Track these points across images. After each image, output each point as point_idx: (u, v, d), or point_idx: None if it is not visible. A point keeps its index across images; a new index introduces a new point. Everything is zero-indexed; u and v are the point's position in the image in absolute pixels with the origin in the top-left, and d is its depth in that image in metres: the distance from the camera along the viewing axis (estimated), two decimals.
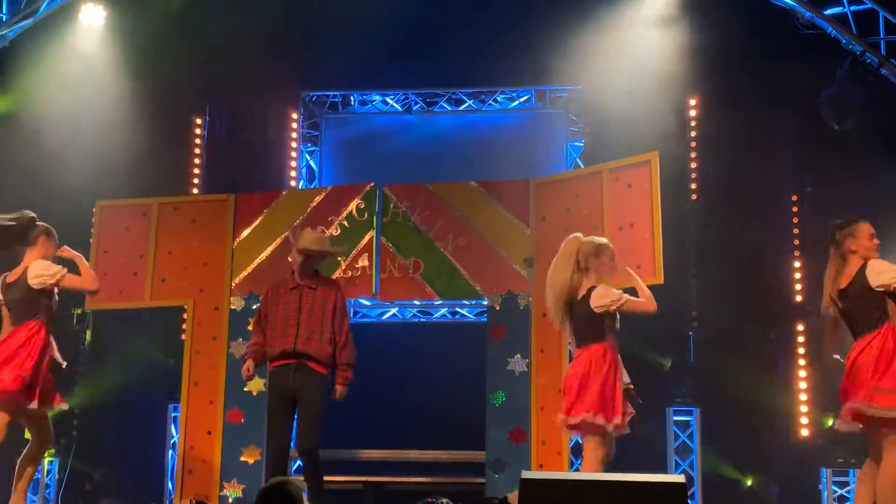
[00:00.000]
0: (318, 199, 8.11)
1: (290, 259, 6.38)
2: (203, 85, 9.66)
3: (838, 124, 8.26)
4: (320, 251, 6.33)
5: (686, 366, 8.59)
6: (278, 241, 7.96)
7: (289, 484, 3.87)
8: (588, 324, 5.62)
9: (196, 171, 9.50)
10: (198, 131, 9.61)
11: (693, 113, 8.95)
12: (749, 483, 8.33)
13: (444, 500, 3.10)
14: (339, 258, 7.68)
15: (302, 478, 6.01)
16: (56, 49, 9.09)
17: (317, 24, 9.38)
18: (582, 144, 9.59)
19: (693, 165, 8.90)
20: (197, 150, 9.56)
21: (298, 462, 7.36)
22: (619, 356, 5.65)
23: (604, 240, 5.84)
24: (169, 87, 9.26)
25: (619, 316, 5.67)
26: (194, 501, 3.16)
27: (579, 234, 5.83)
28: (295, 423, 6.17)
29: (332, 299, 6.26)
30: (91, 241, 8.16)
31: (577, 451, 8.06)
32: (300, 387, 6.08)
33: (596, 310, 5.56)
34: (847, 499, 7.98)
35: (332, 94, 10.12)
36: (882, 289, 5.32)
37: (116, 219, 8.19)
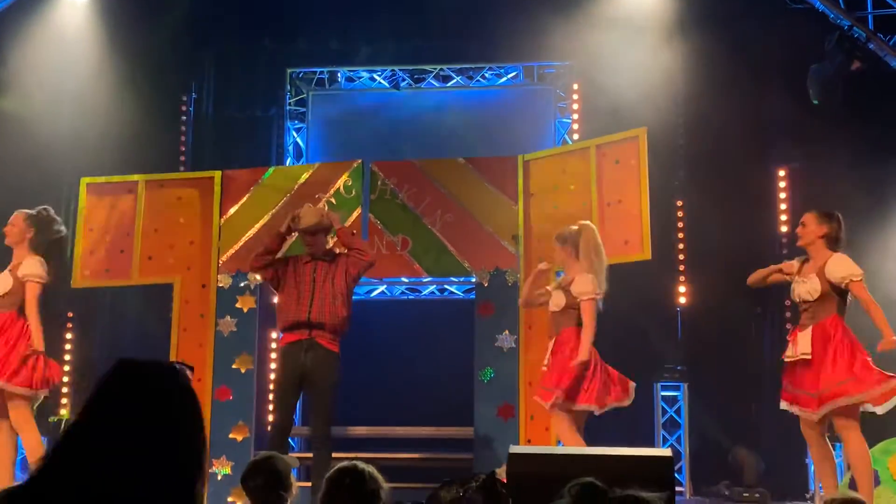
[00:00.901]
0: (305, 176, 8.07)
1: (306, 248, 6.59)
2: (189, 62, 9.61)
3: (826, 99, 8.26)
4: (318, 224, 6.48)
5: (673, 341, 8.62)
6: (266, 218, 7.93)
7: (276, 459, 3.85)
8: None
9: (182, 148, 9.46)
10: (183, 108, 9.55)
11: (681, 88, 8.93)
12: (742, 463, 8.34)
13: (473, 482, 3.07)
14: (328, 237, 7.65)
15: (296, 455, 6.08)
16: (39, 27, 9.02)
17: (304, 0, 9.32)
18: (570, 121, 9.57)
19: (681, 141, 8.90)
20: (183, 128, 9.51)
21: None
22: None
23: (586, 222, 6.32)
24: (155, 64, 9.21)
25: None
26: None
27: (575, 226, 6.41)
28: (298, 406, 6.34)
29: (342, 266, 6.50)
30: (77, 218, 8.12)
31: None
32: (311, 368, 6.23)
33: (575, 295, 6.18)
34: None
35: (318, 70, 10.07)
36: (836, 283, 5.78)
37: (102, 196, 8.14)
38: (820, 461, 5.97)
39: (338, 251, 6.82)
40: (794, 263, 5.99)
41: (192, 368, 2.19)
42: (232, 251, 7.94)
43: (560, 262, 6.47)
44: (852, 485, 6.00)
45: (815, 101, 8.21)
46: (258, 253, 6.71)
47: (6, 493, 1.96)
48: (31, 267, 6.35)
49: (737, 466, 8.22)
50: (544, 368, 6.34)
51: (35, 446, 6.21)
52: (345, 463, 3.27)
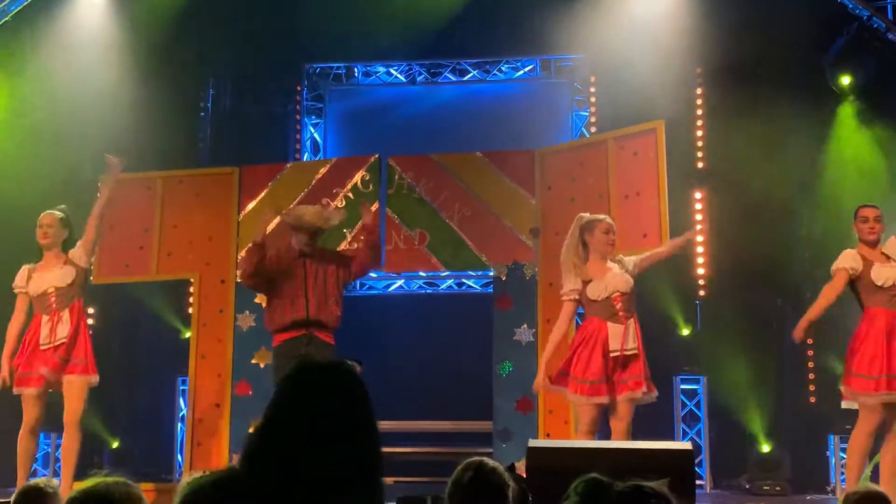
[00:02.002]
0: (322, 171, 8.08)
1: (292, 242, 6.41)
2: (207, 58, 9.63)
3: (844, 88, 8.22)
4: (325, 225, 6.42)
5: (693, 334, 8.59)
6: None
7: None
8: None
9: (200, 144, 9.49)
10: (202, 104, 9.58)
11: (699, 80, 8.89)
12: (765, 449, 8.30)
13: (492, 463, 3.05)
14: (345, 230, 7.65)
15: None
16: (59, 22, 9.06)
17: None
18: (587, 114, 9.54)
19: (699, 133, 8.86)
20: (201, 124, 9.54)
21: None
22: (602, 328, 5.86)
23: (599, 216, 6.09)
24: (173, 61, 9.23)
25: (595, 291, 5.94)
26: (209, 472, 2.99)
27: (583, 214, 6.13)
28: None
29: (334, 262, 6.39)
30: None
31: None
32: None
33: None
34: None
35: (335, 65, 10.08)
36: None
37: (121, 193, 8.15)
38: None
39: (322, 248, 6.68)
40: (857, 257, 5.89)
41: (361, 363, 2.27)
42: (250, 246, 7.95)
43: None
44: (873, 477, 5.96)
45: (843, 92, 8.16)
46: (248, 273, 6.43)
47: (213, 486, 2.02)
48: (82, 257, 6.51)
49: (757, 461, 8.18)
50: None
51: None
52: (472, 459, 3.21)
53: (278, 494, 1.96)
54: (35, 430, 6.39)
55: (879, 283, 5.72)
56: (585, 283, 5.93)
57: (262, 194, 8.06)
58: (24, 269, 6.50)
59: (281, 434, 2.02)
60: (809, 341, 8.40)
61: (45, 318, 6.33)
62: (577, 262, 5.98)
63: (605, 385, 5.76)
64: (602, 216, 6.10)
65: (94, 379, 6.41)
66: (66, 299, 6.38)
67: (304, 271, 6.28)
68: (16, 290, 6.48)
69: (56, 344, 6.28)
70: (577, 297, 5.96)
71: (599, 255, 5.96)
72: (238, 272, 6.84)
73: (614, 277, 5.89)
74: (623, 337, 5.79)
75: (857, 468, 5.65)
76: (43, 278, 6.41)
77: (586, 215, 6.07)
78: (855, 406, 5.73)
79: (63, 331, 6.32)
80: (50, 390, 6.36)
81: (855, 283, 5.81)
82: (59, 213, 6.53)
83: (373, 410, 2.11)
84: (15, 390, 6.31)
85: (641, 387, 5.77)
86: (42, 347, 6.27)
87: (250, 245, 6.52)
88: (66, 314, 6.35)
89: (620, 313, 5.84)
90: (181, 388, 8.56)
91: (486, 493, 3.07)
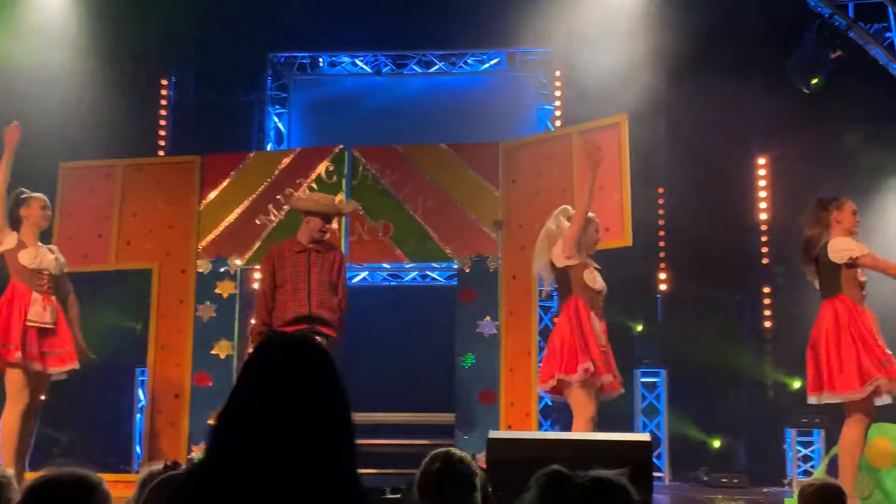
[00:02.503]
0: (286, 161, 8.04)
1: (302, 227, 6.39)
2: (170, 45, 9.53)
3: (806, 86, 8.29)
4: (335, 211, 6.47)
5: (653, 328, 8.65)
6: (246, 203, 7.90)
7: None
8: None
9: (162, 132, 9.40)
10: (164, 92, 9.49)
11: (663, 76, 8.94)
12: (716, 444, 8.40)
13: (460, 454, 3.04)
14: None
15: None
16: (18, 8, 8.91)
17: None
18: (552, 107, 9.56)
19: (662, 128, 8.91)
20: (163, 112, 9.45)
21: None
22: (583, 310, 5.81)
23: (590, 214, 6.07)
24: (135, 48, 9.12)
25: (590, 277, 5.88)
26: (169, 463, 2.99)
27: (568, 207, 6.16)
28: None
29: (337, 261, 6.39)
30: (55, 203, 8.04)
31: (545, 412, 8.13)
32: None
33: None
34: (811, 458, 8.09)
35: (300, 55, 10.02)
36: (839, 262, 5.55)
37: (81, 181, 8.09)
38: None
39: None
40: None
41: (327, 337, 2.27)
42: (212, 236, 7.91)
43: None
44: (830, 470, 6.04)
45: (806, 91, 8.22)
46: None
47: (188, 473, 2.05)
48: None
49: (715, 453, 8.26)
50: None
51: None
52: (439, 449, 3.19)
53: (248, 479, 1.95)
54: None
55: (863, 279, 5.71)
56: (583, 265, 5.88)
57: (225, 184, 8.00)
58: (8, 231, 6.30)
59: (249, 414, 2.00)
60: (767, 336, 8.51)
61: (36, 295, 6.25)
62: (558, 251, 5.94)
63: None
64: (592, 215, 6.08)
65: (72, 367, 6.36)
66: (55, 289, 6.33)
67: (309, 265, 6.27)
68: None
69: (42, 326, 6.22)
70: (576, 262, 5.87)
71: (588, 250, 5.96)
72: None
73: (599, 275, 5.93)
74: (603, 333, 5.85)
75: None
76: (40, 256, 6.31)
77: (570, 209, 6.08)
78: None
79: (51, 317, 6.28)
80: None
81: (838, 271, 5.67)
82: (42, 197, 6.48)
83: (343, 385, 2.09)
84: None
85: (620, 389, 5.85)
86: (29, 323, 6.19)
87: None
88: (54, 301, 6.31)
89: (600, 310, 5.89)
90: (140, 378, 8.48)
91: (454, 482, 3.07)
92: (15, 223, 6.34)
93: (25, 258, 6.26)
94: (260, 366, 2.07)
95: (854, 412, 5.58)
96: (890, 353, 5.48)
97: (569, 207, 6.09)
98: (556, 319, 6.09)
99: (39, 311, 6.23)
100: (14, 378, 6.13)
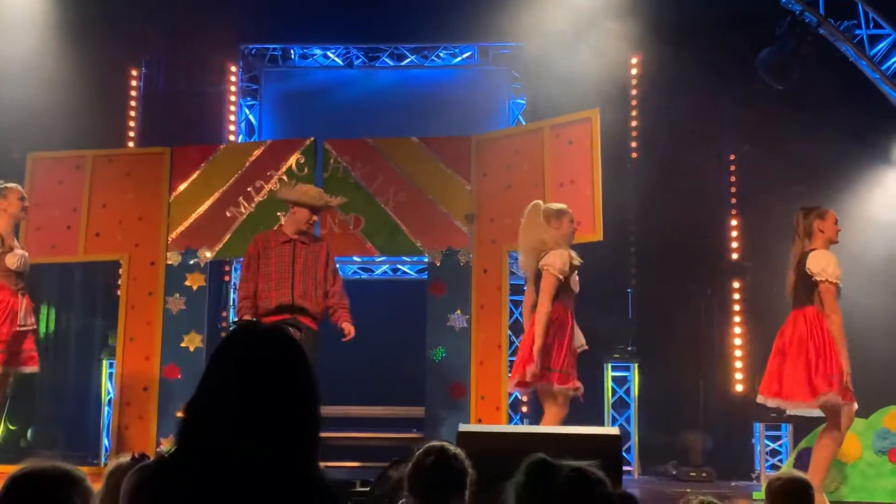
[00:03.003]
0: (256, 153, 8.00)
1: (285, 223, 6.46)
2: (139, 36, 9.45)
3: (777, 83, 8.34)
4: (324, 204, 6.49)
5: (624, 322, 8.68)
6: (216, 195, 7.86)
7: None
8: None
9: (132, 123, 9.32)
10: (134, 83, 9.41)
11: (634, 71, 8.97)
12: (690, 443, 8.41)
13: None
14: (279, 213, 7.58)
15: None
16: None
17: None
18: (524, 101, 9.57)
19: (633, 123, 8.95)
20: (133, 103, 9.37)
21: None
22: (570, 318, 5.75)
23: (562, 205, 5.99)
24: (105, 38, 9.03)
25: (574, 281, 5.83)
26: (137, 455, 2.98)
27: (539, 201, 6.01)
28: None
29: (323, 255, 6.40)
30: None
31: (515, 405, 8.15)
32: None
33: (541, 267, 5.76)
34: (779, 453, 8.16)
35: (271, 47, 9.96)
36: (814, 277, 5.57)
37: (49, 171, 8.01)
38: None
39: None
40: None
41: (300, 329, 2.27)
42: (181, 228, 7.86)
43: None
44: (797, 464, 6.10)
45: (778, 87, 8.28)
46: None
47: (156, 464, 2.04)
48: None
49: (684, 447, 8.32)
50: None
51: None
52: (434, 442, 3.15)
53: (214, 469, 1.94)
54: None
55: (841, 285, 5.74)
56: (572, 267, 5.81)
57: (195, 175, 7.95)
58: None
59: (216, 405, 2.01)
60: (737, 331, 8.56)
61: (20, 298, 6.17)
62: (545, 238, 5.81)
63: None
64: (564, 206, 6.00)
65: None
66: (26, 287, 6.29)
67: (294, 256, 6.30)
68: None
69: (28, 329, 6.17)
70: (563, 277, 5.75)
71: (566, 245, 5.88)
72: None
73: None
74: (579, 333, 5.87)
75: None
76: (22, 258, 6.23)
77: (540, 203, 6.01)
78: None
79: (34, 318, 6.25)
80: None
81: (814, 284, 5.67)
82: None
83: (311, 377, 2.09)
84: None
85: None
86: (19, 328, 6.13)
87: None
88: (29, 301, 6.27)
89: (574, 310, 5.88)
90: (109, 371, 8.41)
91: (447, 477, 3.05)
92: None
93: (11, 261, 6.16)
94: (228, 356, 2.06)
95: (833, 425, 5.64)
96: (842, 366, 5.52)
97: (540, 202, 6.03)
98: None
99: (25, 315, 6.19)
100: None
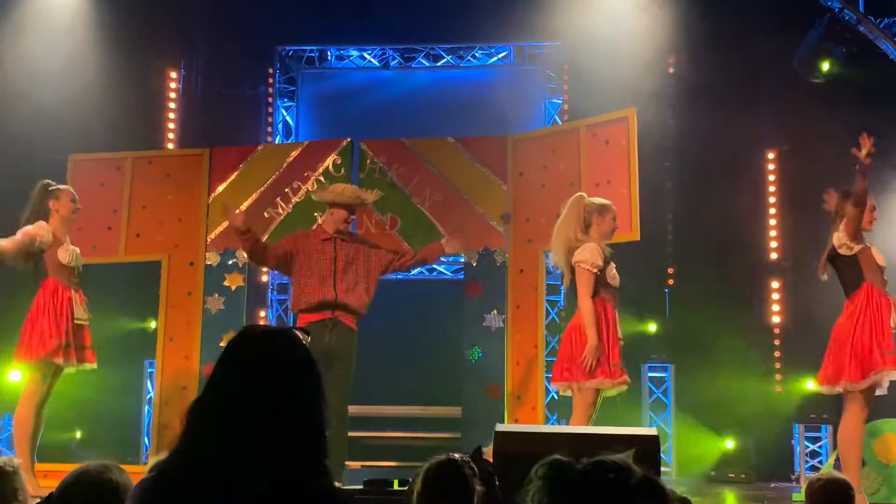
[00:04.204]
0: (294, 154, 8.04)
1: (323, 222, 6.54)
2: (179, 39, 9.55)
3: (814, 79, 8.26)
4: (359, 202, 6.55)
5: (662, 322, 8.63)
6: (254, 196, 7.92)
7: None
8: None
9: (171, 125, 9.41)
10: (173, 85, 9.50)
11: (671, 70, 8.92)
12: (726, 443, 8.36)
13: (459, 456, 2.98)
14: (316, 213, 7.62)
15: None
16: (27, 2, 8.93)
17: None
18: (560, 101, 9.55)
19: (671, 122, 8.89)
20: (172, 105, 9.46)
21: None
22: (610, 312, 5.70)
23: (605, 200, 5.92)
24: (144, 41, 9.14)
25: (611, 274, 5.75)
26: None
27: (584, 194, 5.94)
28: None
29: (362, 248, 6.48)
30: None
31: (552, 406, 8.13)
32: (335, 344, 6.20)
33: (574, 265, 5.66)
34: (819, 454, 8.08)
35: (308, 48, 10.02)
36: (845, 253, 5.54)
37: (90, 173, 8.10)
38: None
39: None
40: None
41: (309, 333, 2.24)
42: (220, 229, 7.92)
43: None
44: (837, 465, 6.03)
45: (818, 80, 8.19)
46: (249, 258, 6.77)
47: (159, 467, 2.02)
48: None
49: (722, 448, 8.25)
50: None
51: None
52: (439, 458, 3.13)
53: (220, 473, 1.92)
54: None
55: (882, 264, 5.68)
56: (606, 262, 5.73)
57: (233, 176, 8.01)
58: (44, 225, 6.24)
59: (222, 409, 1.98)
60: (776, 331, 8.49)
61: (74, 293, 6.27)
62: (579, 236, 5.74)
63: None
64: (608, 200, 5.93)
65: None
66: (80, 282, 6.37)
67: (335, 253, 6.35)
68: (35, 239, 6.15)
69: (83, 323, 6.28)
70: (598, 271, 5.69)
71: (601, 240, 5.77)
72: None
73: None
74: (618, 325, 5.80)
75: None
76: (73, 253, 6.34)
77: (585, 196, 5.91)
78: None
79: (88, 312, 6.34)
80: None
81: (854, 261, 5.66)
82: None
83: (319, 382, 2.06)
84: (36, 358, 6.14)
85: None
86: (77, 322, 6.24)
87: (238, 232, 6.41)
88: (83, 296, 6.36)
89: (617, 302, 5.81)
90: (149, 370, 8.50)
91: (453, 492, 3.02)
92: (44, 216, 6.28)
93: (64, 256, 6.26)
94: (233, 358, 2.05)
95: (851, 403, 5.58)
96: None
97: (584, 195, 5.93)
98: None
99: (79, 308, 6.28)
100: (37, 373, 6.17)
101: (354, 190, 6.70)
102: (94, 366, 6.47)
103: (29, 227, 6.19)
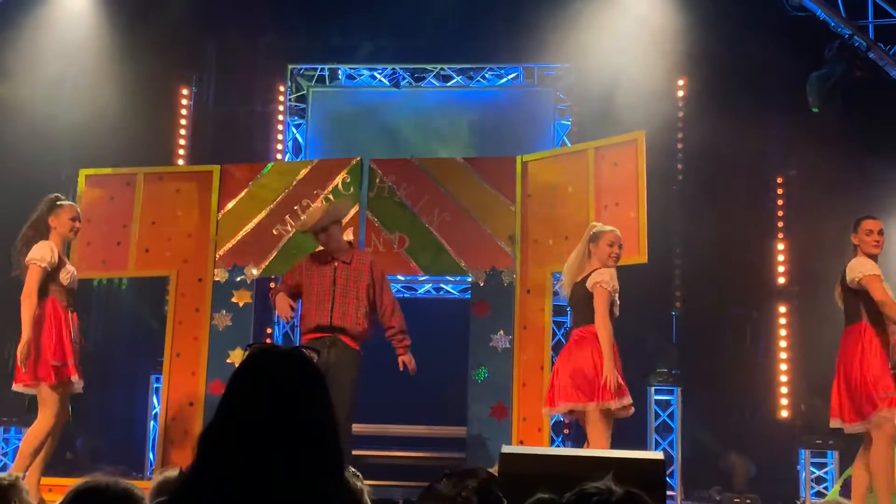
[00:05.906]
0: (303, 172, 8.07)
1: (322, 241, 6.51)
2: (190, 55, 9.61)
3: (824, 106, 8.28)
4: (319, 225, 6.43)
5: (668, 345, 8.62)
6: (263, 213, 7.94)
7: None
8: (585, 304, 5.89)
9: (182, 141, 9.46)
10: (184, 102, 9.56)
11: (681, 94, 8.95)
12: (734, 468, 8.33)
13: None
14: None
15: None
16: (40, 17, 9.00)
17: None
18: (569, 123, 9.58)
19: (679, 146, 8.92)
20: (183, 121, 9.52)
21: None
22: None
23: (608, 227, 6.06)
24: (155, 57, 9.20)
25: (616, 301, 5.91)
26: (183, 470, 2.97)
27: (594, 223, 6.17)
28: None
29: (366, 272, 6.44)
30: None
31: (557, 427, 8.12)
32: (334, 362, 6.17)
33: (589, 288, 5.84)
34: (825, 480, 8.05)
35: (319, 67, 10.08)
36: (853, 286, 5.53)
37: (100, 188, 8.14)
38: None
39: (354, 248, 6.82)
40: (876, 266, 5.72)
41: (318, 352, 2.23)
42: (229, 245, 7.94)
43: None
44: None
45: (815, 109, 8.22)
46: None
47: (171, 488, 2.00)
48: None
49: (728, 472, 8.24)
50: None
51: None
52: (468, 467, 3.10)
53: (237, 497, 1.92)
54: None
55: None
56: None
57: (243, 193, 8.04)
58: (50, 245, 6.19)
59: (233, 430, 1.98)
60: (783, 356, 8.48)
61: (71, 313, 6.27)
62: (583, 264, 5.96)
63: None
64: (610, 227, 6.06)
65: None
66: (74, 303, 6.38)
67: (334, 277, 6.36)
68: (39, 264, 6.07)
69: (78, 345, 6.28)
70: (615, 293, 5.87)
71: (600, 265, 5.92)
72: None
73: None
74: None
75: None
76: (72, 274, 6.32)
77: (598, 225, 6.10)
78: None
79: (81, 336, 6.36)
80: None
81: (857, 296, 5.63)
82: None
83: (328, 402, 2.06)
84: (48, 382, 6.11)
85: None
86: (74, 343, 6.24)
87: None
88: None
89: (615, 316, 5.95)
90: (155, 385, 8.51)
91: None
92: (42, 231, 6.24)
93: (65, 277, 6.24)
94: (243, 379, 2.04)
95: (874, 429, 5.54)
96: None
97: (596, 224, 6.12)
98: (577, 335, 6.01)
99: (76, 330, 6.29)
100: (55, 394, 6.14)
101: (324, 207, 6.64)
102: (81, 389, 6.42)
103: (34, 258, 6.09)
